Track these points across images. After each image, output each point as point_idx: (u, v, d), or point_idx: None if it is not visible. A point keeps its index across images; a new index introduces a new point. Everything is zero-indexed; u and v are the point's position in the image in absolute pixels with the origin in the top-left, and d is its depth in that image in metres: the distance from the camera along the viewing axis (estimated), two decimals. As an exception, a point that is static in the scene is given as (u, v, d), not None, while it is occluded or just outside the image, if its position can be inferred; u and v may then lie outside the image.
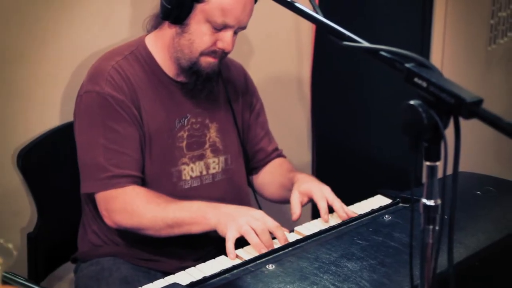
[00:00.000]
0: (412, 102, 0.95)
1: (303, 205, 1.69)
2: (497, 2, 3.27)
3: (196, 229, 1.58)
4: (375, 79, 2.56)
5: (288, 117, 2.67)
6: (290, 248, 1.40)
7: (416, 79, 0.97)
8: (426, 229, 0.98)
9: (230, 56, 1.81)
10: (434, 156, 0.97)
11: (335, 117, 2.75)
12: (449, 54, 3.28)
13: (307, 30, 2.63)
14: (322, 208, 1.63)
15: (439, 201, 0.98)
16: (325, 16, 1.17)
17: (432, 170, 0.98)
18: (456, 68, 3.36)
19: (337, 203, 1.65)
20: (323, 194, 1.66)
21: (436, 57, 3.26)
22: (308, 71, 2.70)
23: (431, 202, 0.97)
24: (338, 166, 2.75)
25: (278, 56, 2.59)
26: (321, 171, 2.75)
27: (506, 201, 1.60)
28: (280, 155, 2.02)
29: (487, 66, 3.38)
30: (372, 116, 2.65)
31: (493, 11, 3.28)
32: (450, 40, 3.24)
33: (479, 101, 0.92)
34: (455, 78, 3.04)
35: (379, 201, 1.69)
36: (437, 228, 0.98)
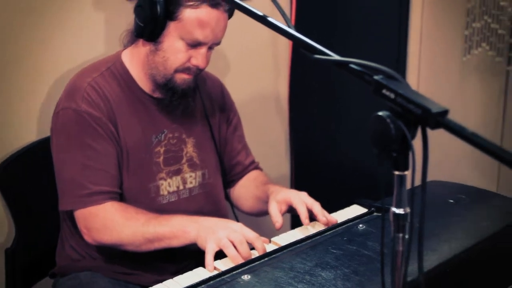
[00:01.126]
0: (380, 113, 0.98)
1: (282, 214, 1.70)
2: (471, 13, 3.31)
3: (176, 243, 1.59)
4: (350, 93, 2.60)
5: (266, 130, 2.69)
6: (266, 259, 1.41)
7: (384, 91, 0.99)
8: (396, 237, 1.01)
9: (207, 70, 1.83)
10: (403, 165, 1.00)
11: (312, 130, 2.78)
12: (425, 65, 3.33)
13: (284, 44, 2.66)
14: (302, 212, 1.64)
15: (408, 210, 1.00)
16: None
17: (401, 179, 1.00)
18: (432, 79, 3.40)
19: (316, 206, 1.66)
20: (302, 199, 1.67)
21: (413, 69, 3.30)
22: (286, 85, 2.72)
23: (400, 211, 0.99)
24: (316, 177, 2.77)
25: (255, 70, 2.62)
26: (299, 183, 2.77)
27: (477, 208, 1.63)
28: (257, 167, 2.04)
29: (463, 76, 3.42)
30: (348, 128, 2.68)
31: (468, 22, 3.33)
32: (426, 51, 3.28)
33: (445, 112, 0.94)
34: (432, 89, 3.10)
35: (355, 210, 1.71)
36: (407, 236, 1.00)
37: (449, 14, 3.37)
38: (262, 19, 1.23)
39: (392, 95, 0.98)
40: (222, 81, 2.02)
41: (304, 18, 2.63)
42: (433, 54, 3.40)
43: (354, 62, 1.07)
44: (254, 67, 2.61)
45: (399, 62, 3.11)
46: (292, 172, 2.81)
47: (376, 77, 1.01)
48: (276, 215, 1.67)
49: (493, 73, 3.34)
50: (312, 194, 1.75)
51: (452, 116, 0.95)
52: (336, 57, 1.11)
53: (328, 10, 2.74)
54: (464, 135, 0.92)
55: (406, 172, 1.00)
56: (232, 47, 2.34)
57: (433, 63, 3.42)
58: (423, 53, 3.38)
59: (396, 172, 1.00)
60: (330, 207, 1.75)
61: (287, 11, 2.63)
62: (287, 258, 1.39)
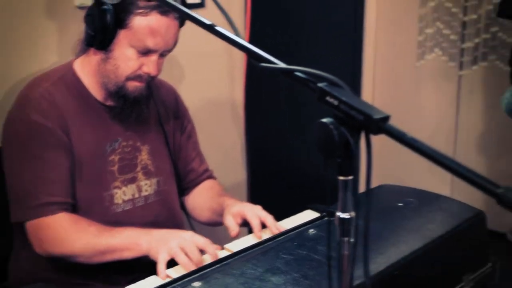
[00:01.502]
0: (324, 120, 1.00)
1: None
2: (423, 20, 3.38)
3: (128, 255, 1.59)
4: (306, 99, 2.62)
5: (222, 138, 2.70)
6: (217, 265, 1.42)
7: (328, 98, 1.01)
8: (342, 241, 1.03)
9: (162, 78, 1.83)
10: (347, 171, 1.02)
11: (268, 136, 2.80)
12: (380, 70, 3.37)
13: (239, 51, 2.67)
14: (255, 225, 1.66)
15: (353, 214, 1.02)
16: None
17: (346, 184, 1.02)
18: (387, 84, 3.45)
19: (269, 219, 1.68)
20: (255, 212, 1.69)
21: (368, 75, 3.34)
22: (241, 92, 2.74)
23: (345, 215, 1.01)
24: (272, 183, 2.79)
25: (210, 78, 2.63)
26: (255, 189, 2.79)
27: (426, 211, 1.67)
28: (211, 176, 2.04)
29: (417, 81, 3.49)
30: (303, 134, 2.70)
31: (420, 28, 3.39)
32: (381, 58, 3.33)
33: (386, 118, 0.96)
34: (387, 94, 3.14)
35: (308, 215, 1.73)
36: (352, 240, 1.02)
37: (402, 20, 3.43)
38: (210, 28, 1.24)
39: (335, 102, 1.00)
40: (178, 89, 2.03)
41: (259, 27, 2.65)
42: (387, 60, 3.45)
43: (299, 70, 1.08)
44: (209, 74, 2.62)
45: (355, 68, 3.15)
46: (248, 178, 2.83)
47: (320, 85, 1.03)
48: (233, 226, 1.69)
49: (446, 77, 3.41)
50: (268, 200, 1.77)
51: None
52: (281, 65, 1.12)
53: (283, 18, 2.77)
54: (403, 140, 0.94)
55: (350, 177, 1.02)
56: (187, 55, 2.34)
57: (388, 69, 3.48)
58: (378, 59, 3.43)
59: (341, 178, 1.02)
60: (286, 213, 1.77)
61: (241, 18, 2.65)
62: (238, 264, 1.40)
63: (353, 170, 1.01)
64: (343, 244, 1.02)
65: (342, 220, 1.01)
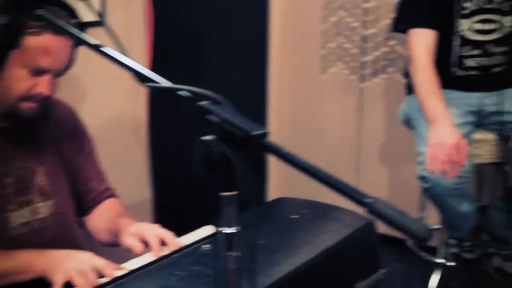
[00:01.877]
0: (204, 137, 1.02)
1: None
2: (325, 34, 3.48)
3: (23, 277, 1.56)
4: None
5: (125, 156, 2.68)
6: (111, 285, 1.41)
7: (210, 116, 1.04)
8: (227, 256, 1.05)
9: (62, 98, 1.81)
10: (230, 186, 1.04)
11: (172, 153, 2.80)
12: (285, 84, 3.44)
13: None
14: (154, 245, 1.66)
15: (238, 228, 1.04)
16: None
17: (229, 199, 1.04)
18: (292, 97, 3.53)
19: (169, 237, 1.68)
20: (154, 232, 1.69)
21: (273, 89, 3.41)
22: (144, 111, 2.73)
23: (230, 230, 1.04)
24: (177, 200, 2.79)
25: (112, 97, 2.61)
26: (160, 206, 2.78)
27: (320, 222, 1.71)
28: (112, 195, 2.03)
29: (321, 94, 3.58)
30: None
31: (323, 43, 3.49)
32: (286, 72, 3.40)
33: (264, 134, 0.99)
34: (293, 107, 3.19)
35: (208, 231, 1.74)
36: (238, 254, 1.05)
37: (305, 35, 3.52)
38: (95, 48, 1.25)
39: (217, 120, 1.03)
40: (79, 108, 2.00)
41: (162, 44, 2.65)
42: (292, 73, 3.53)
43: (182, 88, 1.11)
44: (111, 93, 2.60)
45: (261, 82, 3.19)
46: (153, 196, 2.82)
47: (202, 103, 1.06)
48: (135, 243, 1.68)
49: (348, 90, 3.52)
50: (173, 217, 1.77)
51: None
52: (165, 84, 1.14)
53: (187, 35, 2.78)
54: (280, 155, 0.97)
55: (234, 193, 1.04)
56: (88, 74, 2.32)
57: (293, 82, 3.55)
58: (283, 73, 3.51)
59: (224, 193, 1.04)
60: (192, 229, 1.78)
61: (143, 37, 2.65)
62: (131, 283, 1.39)
63: (236, 185, 1.04)
64: (228, 259, 1.05)
65: (227, 235, 1.04)
